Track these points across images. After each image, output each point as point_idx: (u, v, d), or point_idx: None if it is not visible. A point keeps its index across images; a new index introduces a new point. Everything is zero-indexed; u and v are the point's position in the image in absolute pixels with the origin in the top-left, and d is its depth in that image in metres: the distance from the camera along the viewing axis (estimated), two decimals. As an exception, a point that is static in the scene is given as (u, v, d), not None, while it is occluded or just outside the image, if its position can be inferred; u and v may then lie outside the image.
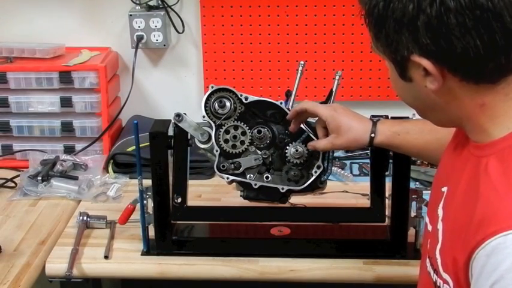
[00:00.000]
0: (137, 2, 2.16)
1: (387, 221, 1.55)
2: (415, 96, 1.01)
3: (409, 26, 0.92)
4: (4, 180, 1.94)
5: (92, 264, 1.57)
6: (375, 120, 1.40)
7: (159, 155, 1.53)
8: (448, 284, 0.98)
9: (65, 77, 2.03)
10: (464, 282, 0.93)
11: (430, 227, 1.10)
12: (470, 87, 0.95)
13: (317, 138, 1.45)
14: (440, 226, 1.04)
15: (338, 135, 1.38)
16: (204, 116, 1.48)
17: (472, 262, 0.90)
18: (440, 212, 1.06)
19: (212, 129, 1.48)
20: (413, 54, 0.94)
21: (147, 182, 1.55)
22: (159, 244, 1.59)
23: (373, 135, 1.37)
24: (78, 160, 2.02)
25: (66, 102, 2.05)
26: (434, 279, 1.03)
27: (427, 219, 1.13)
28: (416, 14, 0.91)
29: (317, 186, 1.49)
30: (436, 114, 1.04)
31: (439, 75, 0.94)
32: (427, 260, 1.07)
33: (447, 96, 0.97)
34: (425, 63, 0.93)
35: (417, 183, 1.90)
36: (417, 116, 1.48)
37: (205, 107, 1.48)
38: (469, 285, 0.92)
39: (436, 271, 1.02)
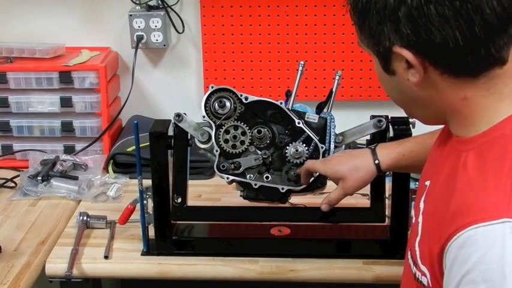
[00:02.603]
0: (137, 2, 2.16)
1: (387, 221, 1.56)
2: (399, 90, 1.02)
3: (391, 16, 0.93)
4: (4, 180, 1.94)
5: (92, 264, 1.57)
6: (372, 147, 1.41)
7: (159, 155, 1.53)
8: (425, 275, 0.99)
9: (65, 77, 2.03)
10: (439, 274, 0.94)
11: (413, 220, 1.12)
12: (452, 81, 0.95)
13: (317, 138, 1.46)
14: (420, 219, 1.06)
15: (344, 181, 1.40)
16: (204, 116, 1.48)
17: (445, 254, 0.91)
18: (421, 205, 1.08)
19: (212, 129, 1.48)
20: (395, 46, 0.95)
21: (147, 182, 1.55)
22: (159, 244, 1.59)
23: (377, 161, 1.39)
24: (78, 160, 2.02)
25: (66, 102, 2.05)
26: (413, 271, 1.04)
27: (412, 213, 1.14)
28: (397, 5, 0.92)
29: (317, 186, 1.49)
30: (420, 110, 1.04)
31: (420, 67, 0.94)
32: (409, 252, 1.08)
33: (429, 89, 0.97)
34: (407, 54, 0.94)
35: (417, 183, 1.89)
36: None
37: (205, 107, 1.48)
38: (443, 277, 0.93)
39: (415, 263, 1.04)
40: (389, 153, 1.39)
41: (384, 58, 0.99)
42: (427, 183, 1.09)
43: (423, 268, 1.00)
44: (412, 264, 1.06)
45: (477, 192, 0.91)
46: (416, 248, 1.04)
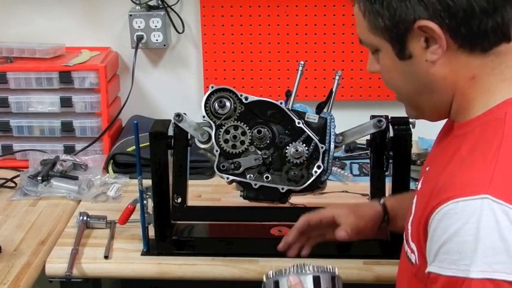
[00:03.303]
0: (137, 2, 2.16)
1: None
2: (414, 76, 1.04)
3: None
4: (4, 180, 1.94)
5: (92, 264, 1.57)
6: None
7: (159, 155, 1.53)
8: (414, 253, 1.04)
9: (65, 77, 2.03)
10: (424, 248, 0.98)
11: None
12: (465, 58, 1.00)
13: (317, 138, 1.46)
14: (415, 199, 1.09)
15: (346, 218, 1.41)
16: (204, 116, 1.48)
17: (429, 226, 0.96)
18: (419, 186, 1.12)
19: (212, 129, 1.48)
20: (420, 20, 0.98)
21: (147, 182, 1.55)
22: (159, 244, 1.59)
23: (382, 201, 1.43)
24: (78, 160, 2.02)
25: (66, 102, 2.05)
26: (406, 249, 1.09)
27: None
28: None
29: (317, 186, 1.48)
30: (430, 98, 1.06)
31: (443, 40, 0.98)
32: (404, 232, 1.12)
33: (444, 69, 1.01)
34: (432, 25, 0.97)
35: (417, 183, 1.90)
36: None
37: (205, 107, 1.48)
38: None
39: (407, 241, 1.08)
40: (390, 197, 1.46)
41: (399, 42, 1.02)
42: (427, 168, 1.13)
43: (412, 245, 1.04)
44: (405, 242, 1.10)
45: (463, 170, 0.95)
46: (409, 227, 1.08)
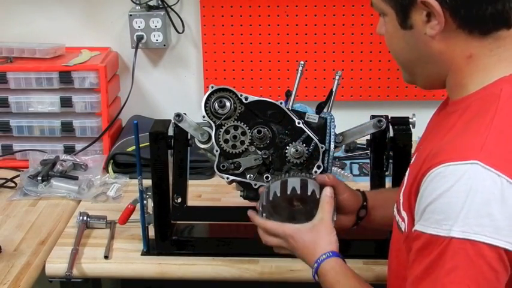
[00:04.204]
0: (137, 2, 2.16)
1: (387, 221, 1.55)
2: (412, 45, 1.08)
3: None
4: (4, 180, 1.94)
5: (92, 264, 1.57)
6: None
7: (159, 155, 1.53)
8: (404, 221, 1.07)
9: (65, 77, 2.03)
10: (414, 212, 1.03)
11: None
12: (463, 37, 1.04)
13: (317, 138, 1.45)
14: (408, 172, 1.13)
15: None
16: (204, 116, 1.48)
17: (420, 188, 1.00)
18: (412, 160, 1.16)
19: (212, 129, 1.48)
20: None
21: (147, 182, 1.55)
22: (159, 244, 1.59)
23: (361, 190, 1.43)
24: (78, 160, 2.02)
25: (66, 102, 2.05)
26: (397, 220, 1.12)
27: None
28: None
29: (317, 186, 1.48)
30: (425, 68, 1.11)
31: (442, 18, 1.01)
32: (395, 205, 1.16)
33: (441, 44, 1.05)
34: (433, 2, 1.01)
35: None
36: (416, 117, 1.49)
37: (205, 107, 1.48)
38: None
39: (398, 211, 1.11)
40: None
41: (403, 12, 1.06)
42: (422, 147, 1.16)
43: (403, 213, 1.08)
44: (396, 212, 1.13)
45: (457, 138, 1.00)
46: (401, 197, 1.11)
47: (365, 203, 1.40)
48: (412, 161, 1.16)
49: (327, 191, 1.31)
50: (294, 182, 1.33)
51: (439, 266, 0.94)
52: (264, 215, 1.34)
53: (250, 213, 1.37)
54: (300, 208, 1.32)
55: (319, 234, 1.26)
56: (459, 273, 0.93)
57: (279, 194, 1.32)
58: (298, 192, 1.31)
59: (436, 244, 0.94)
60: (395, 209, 1.16)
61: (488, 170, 0.93)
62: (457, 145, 0.98)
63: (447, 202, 0.94)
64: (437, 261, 0.94)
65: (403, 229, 1.09)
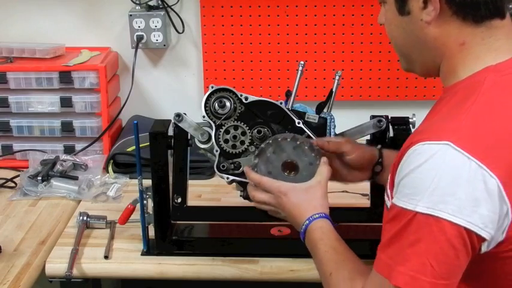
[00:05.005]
0: (137, 2, 2.16)
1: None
2: (408, 31, 1.12)
3: None
4: (4, 180, 1.94)
5: (92, 264, 1.57)
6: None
7: (159, 155, 1.53)
8: (389, 199, 1.11)
9: (65, 77, 2.03)
10: None
11: None
12: (457, 25, 1.07)
13: (317, 137, 1.46)
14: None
15: (349, 152, 1.41)
16: (204, 116, 1.48)
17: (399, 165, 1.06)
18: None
19: (212, 129, 1.48)
20: None
21: (147, 182, 1.55)
22: (159, 244, 1.59)
23: (379, 146, 1.44)
24: (78, 160, 2.02)
25: (66, 102, 2.05)
26: (385, 199, 1.16)
27: None
28: None
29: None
30: (422, 54, 1.14)
31: (437, 4, 1.06)
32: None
33: (437, 30, 1.09)
34: None
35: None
36: (416, 117, 1.50)
37: (205, 107, 1.48)
38: None
39: (386, 190, 1.15)
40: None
41: None
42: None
43: (389, 192, 1.12)
44: (385, 194, 1.17)
45: (438, 121, 1.05)
46: (389, 177, 1.14)
47: (380, 160, 1.42)
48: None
49: (325, 159, 1.36)
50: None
51: (403, 237, 1.00)
52: (254, 170, 1.37)
53: (245, 168, 1.39)
54: (291, 175, 1.36)
55: (314, 195, 1.30)
56: (421, 246, 0.98)
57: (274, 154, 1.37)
58: (306, 147, 1.36)
59: (404, 216, 1.00)
60: (386, 187, 1.19)
61: (458, 151, 0.97)
62: (436, 126, 1.03)
63: (417, 177, 1.00)
64: (403, 232, 1.00)
65: (388, 206, 1.13)
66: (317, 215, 1.27)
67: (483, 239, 0.99)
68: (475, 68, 1.08)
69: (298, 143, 1.37)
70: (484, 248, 1.00)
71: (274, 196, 1.33)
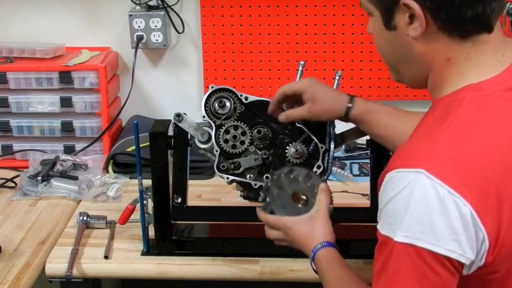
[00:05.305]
0: (137, 2, 2.16)
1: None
2: (395, 46, 1.10)
3: None
4: (4, 180, 1.94)
5: (92, 264, 1.57)
6: (351, 95, 1.43)
7: (159, 155, 1.53)
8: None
9: (65, 77, 2.03)
10: None
11: None
12: (444, 40, 1.05)
13: (317, 138, 1.46)
14: None
15: (314, 103, 1.42)
16: (204, 116, 1.48)
17: (380, 189, 1.07)
18: None
19: (212, 129, 1.48)
20: None
21: (147, 182, 1.55)
22: (159, 244, 1.59)
23: (350, 105, 1.41)
24: (78, 160, 2.02)
25: (66, 102, 2.05)
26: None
27: None
28: None
29: (317, 186, 1.48)
30: (409, 68, 1.13)
31: (423, 20, 1.03)
32: None
33: (423, 46, 1.07)
34: (414, 5, 1.02)
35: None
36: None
37: (205, 107, 1.48)
38: None
39: None
40: (362, 104, 1.42)
41: (387, 13, 1.08)
42: None
43: None
44: None
45: (415, 141, 1.05)
46: None
47: (345, 119, 1.42)
48: None
49: (323, 185, 1.37)
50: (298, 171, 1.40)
51: (387, 267, 1.01)
52: (268, 209, 1.39)
53: (257, 209, 1.41)
54: (303, 205, 1.37)
55: (315, 225, 1.32)
56: (402, 274, 0.99)
57: (284, 184, 1.38)
58: (300, 179, 1.37)
59: (386, 245, 1.01)
60: None
61: (431, 179, 0.97)
62: (410, 150, 1.03)
63: (395, 207, 1.01)
64: (387, 262, 1.01)
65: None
66: (319, 245, 1.29)
67: (463, 264, 0.99)
68: (458, 84, 1.06)
69: (292, 176, 1.38)
70: (465, 271, 1.01)
71: (283, 232, 1.36)
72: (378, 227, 1.05)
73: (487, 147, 1.01)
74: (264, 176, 1.45)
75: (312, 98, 1.42)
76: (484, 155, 1.00)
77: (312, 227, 1.32)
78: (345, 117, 1.42)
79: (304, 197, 1.37)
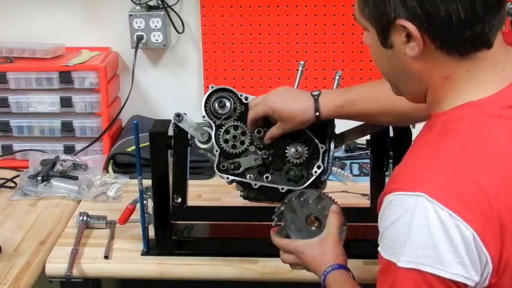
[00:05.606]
0: (137, 2, 2.16)
1: (387, 221, 1.55)
2: (392, 63, 1.08)
3: None
4: (4, 180, 1.94)
5: (92, 264, 1.57)
6: (315, 96, 1.42)
7: (159, 155, 1.53)
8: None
9: (65, 77, 2.03)
10: None
11: None
12: (442, 58, 1.02)
13: (317, 138, 1.46)
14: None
15: (284, 122, 1.42)
16: (204, 116, 1.48)
17: (379, 211, 1.05)
18: None
19: (212, 129, 1.48)
20: (400, 18, 1.00)
21: (147, 182, 1.55)
22: (159, 244, 1.59)
23: (317, 113, 1.40)
24: (78, 160, 2.02)
25: (66, 102, 2.05)
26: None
27: None
28: None
29: (317, 186, 1.48)
30: (407, 85, 1.11)
31: (420, 41, 1.00)
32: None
33: (420, 64, 1.04)
34: (410, 26, 0.99)
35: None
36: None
37: (205, 107, 1.48)
38: None
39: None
40: (329, 104, 1.41)
41: (383, 31, 1.05)
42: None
43: None
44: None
45: (412, 162, 1.03)
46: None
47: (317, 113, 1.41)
48: None
49: (334, 207, 1.35)
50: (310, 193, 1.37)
51: None
52: (283, 233, 1.37)
53: (271, 233, 1.39)
54: (317, 228, 1.35)
55: (326, 248, 1.30)
56: None
57: (295, 208, 1.36)
58: (311, 201, 1.35)
59: (390, 269, 1.00)
60: None
61: (432, 203, 0.95)
62: (409, 172, 1.02)
63: (396, 232, 0.99)
64: (392, 287, 0.99)
65: None
66: (329, 268, 1.27)
67: (468, 286, 0.97)
68: (457, 101, 1.04)
69: (303, 199, 1.36)
70: None
71: (296, 256, 1.34)
72: (380, 250, 1.03)
73: (488, 168, 0.98)
74: (264, 176, 1.45)
75: (280, 117, 1.42)
76: (485, 176, 0.97)
77: (323, 250, 1.30)
78: (319, 121, 1.42)
79: (317, 220, 1.35)
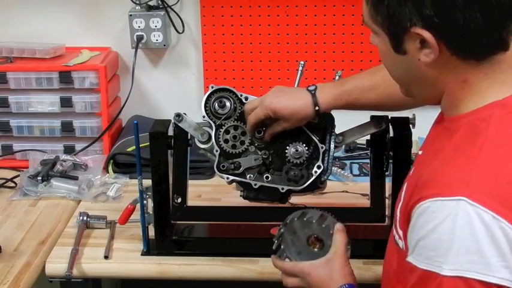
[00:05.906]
0: (137, 2, 2.16)
1: (387, 221, 1.55)
2: (406, 69, 1.06)
3: None
4: (4, 180, 1.94)
5: (92, 264, 1.57)
6: (312, 91, 1.42)
7: (159, 155, 1.53)
8: (401, 239, 1.08)
9: (65, 77, 2.03)
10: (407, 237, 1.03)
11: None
12: (458, 63, 1.01)
13: (317, 138, 1.46)
14: (405, 186, 1.13)
15: (285, 120, 1.42)
16: (204, 116, 1.48)
17: (411, 219, 1.01)
18: (410, 172, 1.15)
19: (212, 129, 1.48)
20: (415, 27, 0.98)
21: (147, 182, 1.55)
22: (159, 244, 1.59)
23: (317, 108, 1.40)
24: (78, 160, 2.02)
25: (66, 102, 2.05)
26: (394, 234, 1.12)
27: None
28: None
29: (317, 186, 1.49)
30: (421, 89, 1.09)
31: (436, 48, 0.99)
32: (393, 216, 1.16)
33: (435, 70, 1.03)
34: (427, 35, 0.98)
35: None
36: (416, 117, 1.49)
37: (205, 107, 1.48)
38: None
39: (395, 227, 1.11)
40: (327, 97, 1.41)
41: (396, 38, 1.03)
42: (420, 152, 1.16)
43: (400, 232, 1.08)
44: (393, 227, 1.13)
45: (445, 168, 0.99)
46: (398, 213, 1.11)
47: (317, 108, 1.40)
48: (410, 173, 1.16)
49: (339, 225, 1.32)
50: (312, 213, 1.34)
51: None
52: (283, 256, 1.33)
53: (272, 257, 1.37)
54: (319, 249, 1.32)
55: (334, 268, 1.27)
56: None
57: (296, 229, 1.33)
58: (314, 221, 1.32)
59: (430, 280, 0.95)
60: (393, 221, 1.15)
61: (474, 206, 0.92)
62: (445, 177, 0.98)
63: (437, 239, 0.95)
64: None
65: (401, 246, 1.09)
66: None
67: None
68: (478, 103, 1.02)
69: (306, 219, 1.33)
70: None
71: (302, 278, 1.30)
72: (413, 261, 0.99)
73: None
74: (264, 176, 1.45)
75: (280, 117, 1.41)
76: None
77: (331, 270, 1.26)
78: (319, 115, 1.42)
79: (319, 240, 1.32)
